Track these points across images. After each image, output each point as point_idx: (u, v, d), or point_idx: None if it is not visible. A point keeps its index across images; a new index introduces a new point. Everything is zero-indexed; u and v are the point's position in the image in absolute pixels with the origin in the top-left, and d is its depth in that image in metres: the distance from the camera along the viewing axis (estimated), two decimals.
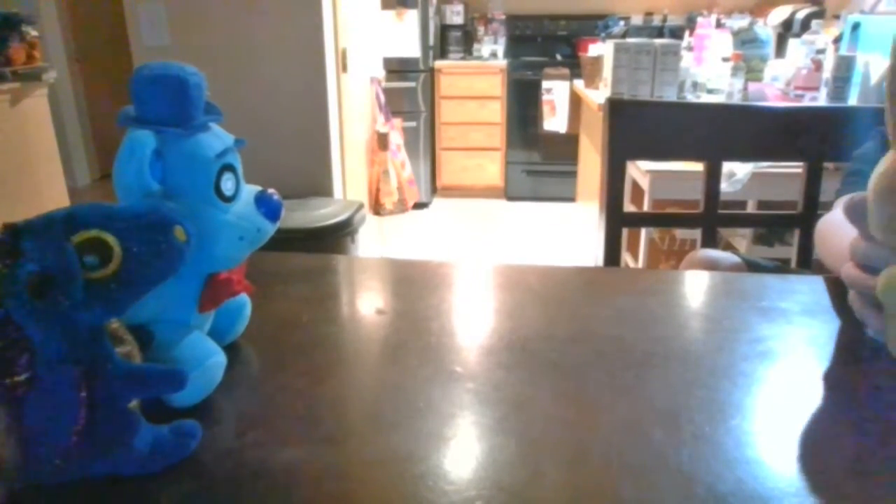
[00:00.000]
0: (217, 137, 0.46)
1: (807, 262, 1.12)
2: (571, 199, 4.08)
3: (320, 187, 2.31)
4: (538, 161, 4.27)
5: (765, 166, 1.82)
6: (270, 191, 0.49)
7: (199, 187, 0.45)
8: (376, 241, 3.15)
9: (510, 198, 4.37)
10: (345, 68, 2.39)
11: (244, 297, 0.55)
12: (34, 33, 2.76)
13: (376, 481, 0.41)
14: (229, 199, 0.46)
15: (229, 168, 0.46)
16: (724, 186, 1.71)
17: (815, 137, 1.09)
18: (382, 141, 3.12)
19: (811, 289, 0.68)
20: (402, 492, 0.39)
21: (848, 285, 0.52)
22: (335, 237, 2.10)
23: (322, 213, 2.11)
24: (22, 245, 0.34)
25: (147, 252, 0.36)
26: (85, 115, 4.73)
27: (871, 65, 2.02)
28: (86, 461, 0.38)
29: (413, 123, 4.05)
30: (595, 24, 4.24)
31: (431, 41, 4.05)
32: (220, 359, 0.47)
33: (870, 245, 0.48)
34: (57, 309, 0.34)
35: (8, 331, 0.34)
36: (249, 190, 0.48)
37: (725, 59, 2.36)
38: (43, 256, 0.34)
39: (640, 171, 1.98)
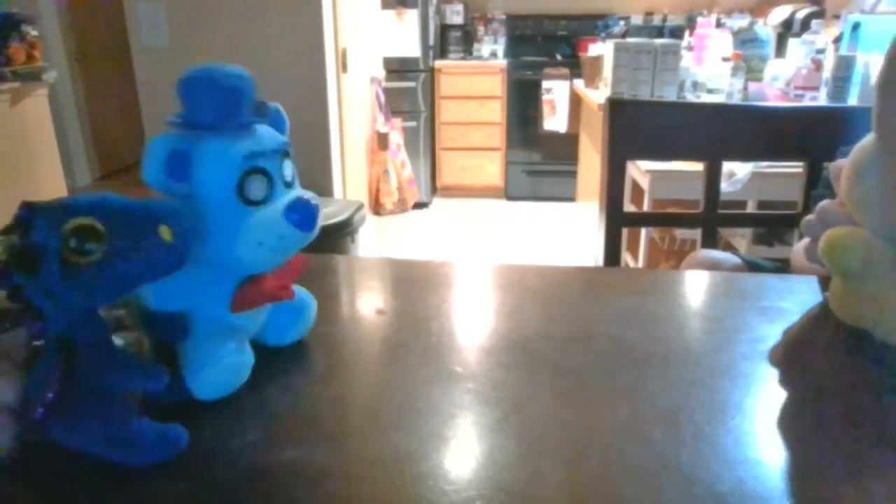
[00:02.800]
0: (253, 140, 0.46)
1: None
2: (571, 199, 4.08)
3: (320, 187, 2.31)
4: (538, 161, 4.26)
5: (765, 166, 1.82)
6: (307, 197, 0.48)
7: (221, 189, 0.44)
8: (376, 241, 3.15)
9: (510, 198, 4.37)
10: (345, 68, 2.39)
11: (306, 300, 0.55)
12: (34, 33, 2.76)
13: (376, 481, 0.41)
14: (256, 203, 0.45)
15: (259, 171, 0.45)
16: (724, 186, 1.71)
17: (815, 137, 1.09)
18: (382, 141, 3.12)
19: (811, 289, 0.68)
20: (402, 492, 0.39)
21: (803, 232, 0.62)
22: (335, 237, 2.10)
23: (322, 213, 2.11)
24: (33, 223, 0.36)
25: (128, 246, 0.37)
26: (85, 115, 4.73)
27: (871, 65, 2.02)
28: (59, 431, 0.39)
29: (413, 123, 4.05)
30: (595, 24, 4.24)
31: (431, 41, 4.05)
32: (239, 358, 0.47)
33: (835, 206, 0.58)
34: (43, 285, 0.35)
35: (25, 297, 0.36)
36: (290, 195, 0.47)
37: (725, 59, 2.36)
38: (38, 235, 0.35)
39: (640, 171, 1.98)
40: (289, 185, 0.48)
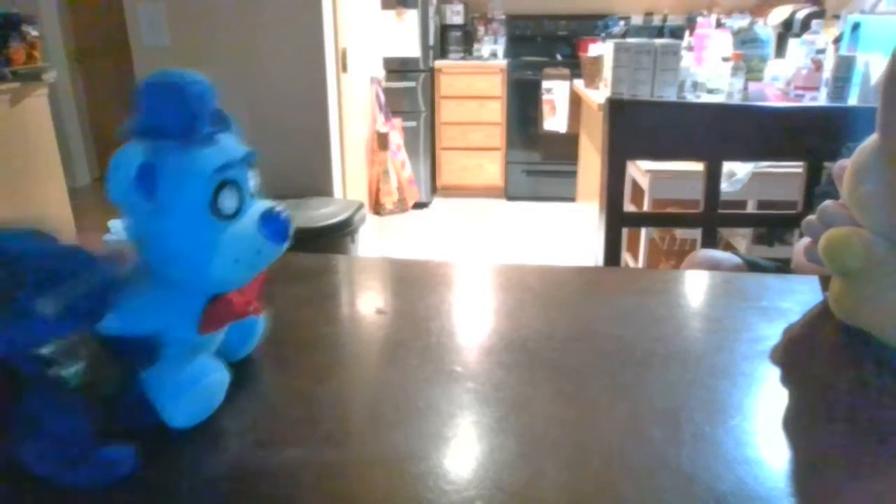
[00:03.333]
0: (221, 151, 0.43)
1: None
2: (571, 199, 4.08)
3: (320, 187, 2.31)
4: (538, 161, 4.27)
5: (765, 166, 1.82)
6: (278, 209, 0.45)
7: (193, 204, 0.41)
8: (376, 241, 3.15)
9: (510, 198, 4.37)
10: (345, 68, 2.39)
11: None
12: (34, 33, 2.76)
13: (376, 481, 0.41)
14: (229, 217, 0.43)
15: (230, 184, 0.42)
16: (724, 186, 1.71)
17: (815, 137, 1.09)
18: (382, 141, 3.12)
19: (811, 289, 0.68)
20: (402, 492, 0.39)
21: (804, 232, 0.62)
22: (335, 237, 2.10)
23: (322, 213, 2.11)
24: None
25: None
26: (85, 115, 4.73)
27: (871, 65, 2.02)
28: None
29: (413, 123, 4.05)
30: (595, 24, 4.24)
31: (431, 41, 4.06)
32: (216, 377, 0.45)
33: (836, 206, 0.58)
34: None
35: None
36: (258, 207, 0.45)
37: (725, 59, 2.36)
38: None
39: (640, 171, 1.98)
40: (252, 196, 0.46)
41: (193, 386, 0.43)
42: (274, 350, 0.55)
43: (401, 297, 0.70)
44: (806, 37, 2.37)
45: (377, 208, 3.21)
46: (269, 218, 0.44)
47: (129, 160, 0.40)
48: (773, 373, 0.53)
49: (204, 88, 0.42)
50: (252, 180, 0.46)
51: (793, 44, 2.44)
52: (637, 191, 2.10)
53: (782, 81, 2.30)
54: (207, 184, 0.41)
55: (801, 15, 3.01)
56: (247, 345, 0.53)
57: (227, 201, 0.42)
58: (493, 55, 4.30)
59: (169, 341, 0.44)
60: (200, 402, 0.44)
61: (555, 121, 3.92)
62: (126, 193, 0.41)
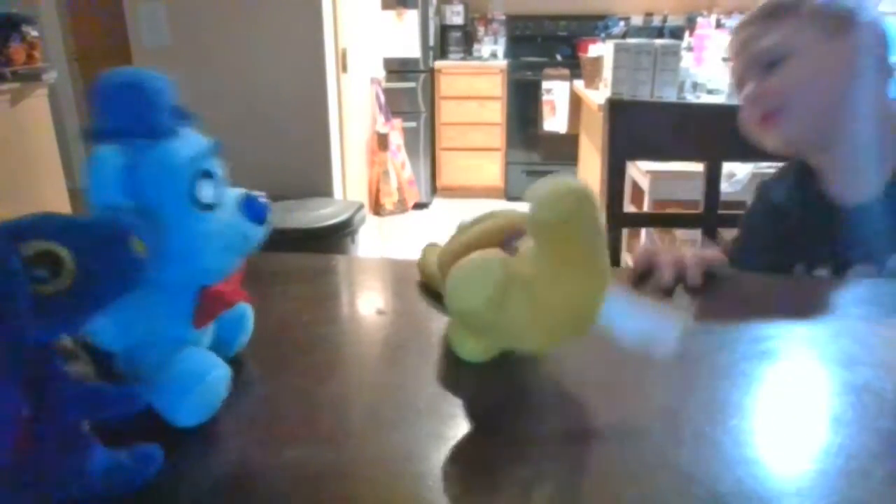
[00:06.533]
0: (188, 143, 0.43)
1: None
2: None
3: (320, 187, 2.31)
4: (538, 161, 4.26)
5: (765, 166, 1.82)
6: (255, 193, 0.46)
7: (174, 198, 0.41)
8: (376, 241, 3.15)
9: (510, 198, 4.37)
10: (345, 68, 2.39)
11: (244, 307, 0.53)
12: (34, 33, 2.76)
13: (376, 481, 0.41)
14: (210, 207, 0.43)
15: (206, 174, 0.43)
16: (724, 186, 1.71)
17: None
18: (382, 141, 3.12)
19: (811, 290, 0.68)
20: (402, 492, 0.39)
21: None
22: (335, 237, 2.10)
23: (322, 213, 2.11)
24: None
25: (101, 266, 0.34)
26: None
27: None
28: (27, 486, 0.34)
29: (413, 124, 4.05)
30: (595, 25, 4.24)
31: (431, 41, 4.05)
32: (221, 372, 0.45)
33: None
34: (1, 324, 0.31)
35: None
36: (234, 195, 0.45)
37: (725, 60, 2.36)
38: None
39: (640, 171, 1.98)
40: (225, 186, 0.46)
41: (199, 384, 0.43)
42: (274, 350, 0.55)
43: (401, 297, 0.70)
44: None
45: (377, 209, 3.21)
46: (248, 203, 0.45)
47: (109, 163, 0.40)
48: (773, 373, 0.53)
49: (161, 83, 0.43)
50: (221, 169, 0.46)
51: None
52: (637, 191, 2.10)
53: None
54: (184, 175, 0.42)
55: None
56: (238, 340, 0.53)
57: (206, 191, 0.43)
58: (493, 55, 4.30)
59: (163, 344, 0.44)
60: (206, 399, 0.44)
61: (555, 121, 3.92)
62: (111, 197, 0.40)
